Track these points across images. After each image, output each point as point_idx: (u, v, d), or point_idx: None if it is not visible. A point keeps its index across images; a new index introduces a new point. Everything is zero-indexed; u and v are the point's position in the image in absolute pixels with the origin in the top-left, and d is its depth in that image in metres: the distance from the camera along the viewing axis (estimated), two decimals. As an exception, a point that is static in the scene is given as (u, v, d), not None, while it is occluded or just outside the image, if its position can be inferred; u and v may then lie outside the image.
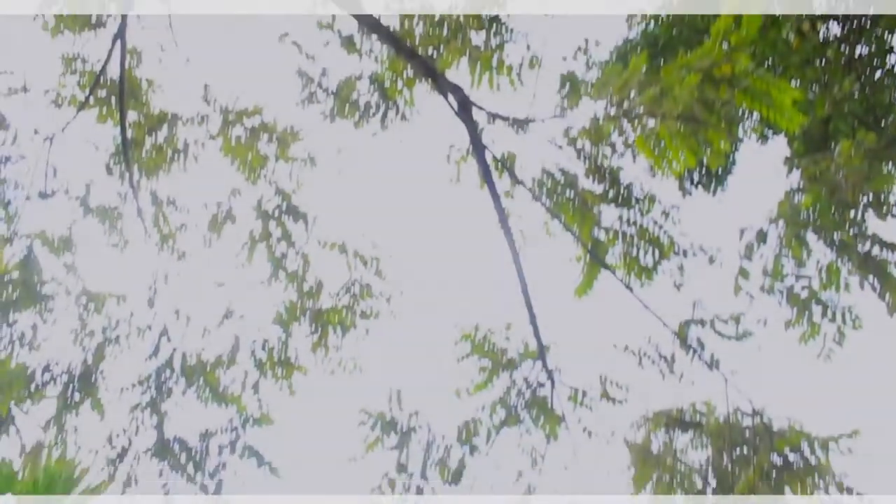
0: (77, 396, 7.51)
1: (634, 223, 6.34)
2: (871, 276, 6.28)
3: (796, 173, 6.81)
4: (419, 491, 6.84)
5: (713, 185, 8.82)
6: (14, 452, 12.25)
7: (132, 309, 7.36)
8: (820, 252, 6.31)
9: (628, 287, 5.83)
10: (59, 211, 7.70)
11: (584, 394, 6.69)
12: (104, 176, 7.59)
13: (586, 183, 6.35)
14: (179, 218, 7.13)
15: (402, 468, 6.82)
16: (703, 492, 7.22)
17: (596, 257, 5.93)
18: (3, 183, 7.82)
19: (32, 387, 7.69)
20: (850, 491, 6.15)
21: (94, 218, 7.60)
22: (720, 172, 8.80)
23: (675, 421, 7.12)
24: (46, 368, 7.60)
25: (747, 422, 6.90)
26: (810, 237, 6.34)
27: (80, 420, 7.52)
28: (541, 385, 6.84)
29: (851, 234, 6.33)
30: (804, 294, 6.31)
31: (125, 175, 7.34)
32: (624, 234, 6.31)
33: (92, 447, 7.33)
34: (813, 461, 6.65)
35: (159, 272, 7.25)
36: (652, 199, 6.08)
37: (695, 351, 6.05)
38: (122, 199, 7.45)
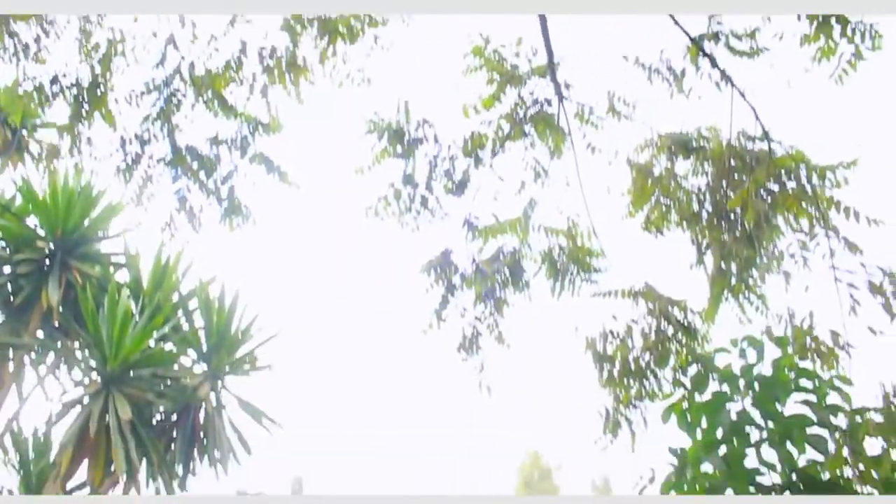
0: (87, 107, 7.57)
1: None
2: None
3: None
4: (423, 201, 7.09)
5: None
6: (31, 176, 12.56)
7: (136, 16, 7.21)
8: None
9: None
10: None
11: (591, 110, 6.72)
12: None
13: None
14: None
15: (408, 179, 7.02)
16: (698, 215, 7.48)
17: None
18: None
19: (42, 98, 7.74)
20: (838, 206, 6.31)
21: (89, -82, 7.22)
22: None
23: (679, 145, 7.19)
24: (54, 80, 7.60)
25: (750, 146, 6.99)
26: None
27: (92, 132, 7.65)
28: (548, 102, 6.85)
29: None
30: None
31: None
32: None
33: (105, 155, 7.51)
34: (808, 188, 6.80)
35: (161, -25, 7.00)
36: None
37: (710, 59, 5.98)
38: None
